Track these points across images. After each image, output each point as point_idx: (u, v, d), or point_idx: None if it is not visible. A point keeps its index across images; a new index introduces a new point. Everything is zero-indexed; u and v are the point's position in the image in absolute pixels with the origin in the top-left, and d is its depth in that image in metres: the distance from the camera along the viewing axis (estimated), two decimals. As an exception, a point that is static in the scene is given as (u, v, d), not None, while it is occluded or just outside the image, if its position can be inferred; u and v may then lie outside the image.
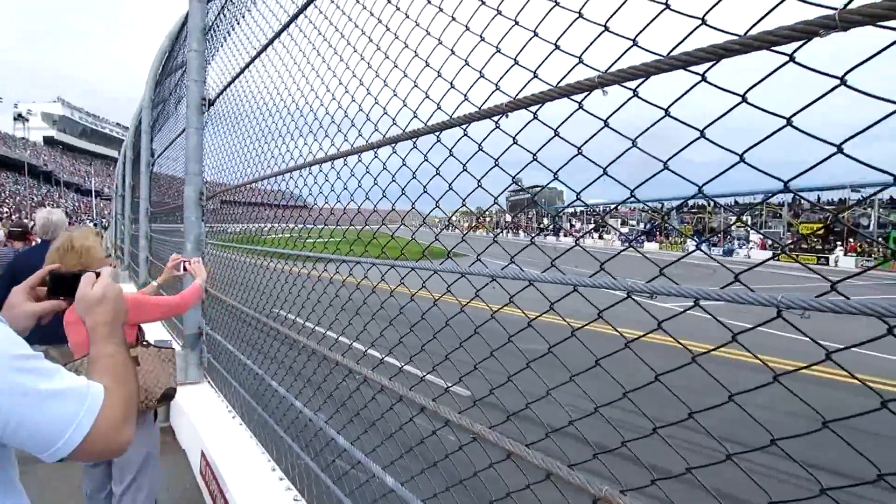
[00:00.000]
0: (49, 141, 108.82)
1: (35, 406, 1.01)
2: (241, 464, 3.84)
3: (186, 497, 4.26)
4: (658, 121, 1.16)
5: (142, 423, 3.09)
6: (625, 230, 70.00)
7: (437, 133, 1.87)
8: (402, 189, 2.12)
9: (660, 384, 1.19)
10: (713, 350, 1.15)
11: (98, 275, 1.42)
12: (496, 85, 1.58)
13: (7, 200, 65.72)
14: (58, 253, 2.81)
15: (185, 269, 4.03)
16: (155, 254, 10.38)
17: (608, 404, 1.33)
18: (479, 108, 1.63)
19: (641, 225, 70.53)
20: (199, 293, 3.70)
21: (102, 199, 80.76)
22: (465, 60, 1.70)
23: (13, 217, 45.48)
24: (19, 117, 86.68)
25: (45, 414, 1.02)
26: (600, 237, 63.47)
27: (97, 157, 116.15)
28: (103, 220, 48.88)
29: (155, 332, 8.19)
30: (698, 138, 1.11)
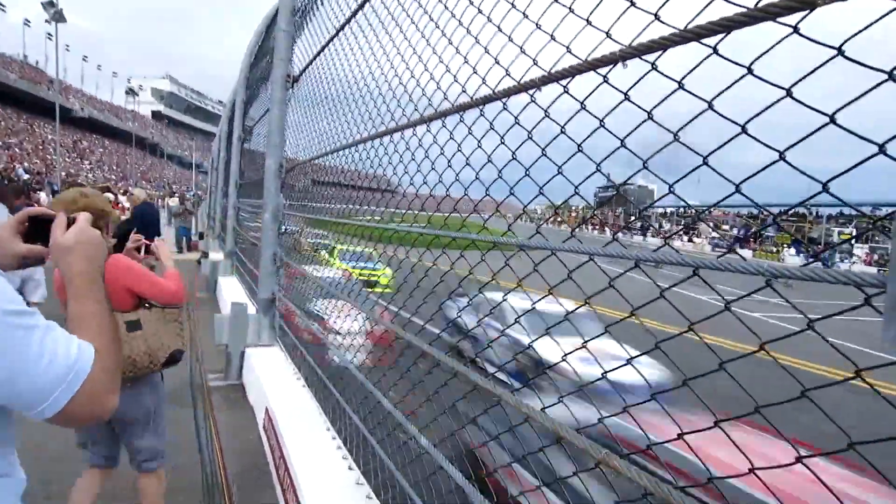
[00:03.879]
0: (156, 115, 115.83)
1: (25, 364, 1.00)
2: (299, 422, 4.08)
3: (249, 449, 4.55)
4: (671, 93, 1.18)
5: (150, 385, 3.08)
6: (717, 235, 66.68)
7: (503, 99, 1.85)
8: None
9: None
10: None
11: (73, 220, 1.30)
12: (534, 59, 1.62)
13: (115, 168, 70.60)
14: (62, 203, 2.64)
15: (147, 251, 3.27)
16: (241, 224, 10.95)
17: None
18: (518, 82, 1.68)
19: (735, 230, 67.26)
20: (178, 279, 3.15)
21: (200, 172, 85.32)
22: (510, 37, 1.76)
23: (119, 184, 48.89)
24: (130, 91, 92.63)
25: (35, 372, 1.01)
26: (690, 240, 60.97)
27: (198, 132, 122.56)
28: (199, 193, 51.71)
29: (233, 294, 8.65)
30: (739, 134, 1.10)
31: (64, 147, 50.91)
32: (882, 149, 0.89)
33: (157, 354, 2.98)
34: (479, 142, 1.98)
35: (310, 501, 3.00)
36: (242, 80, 10.90)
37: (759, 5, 0.98)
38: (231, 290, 9.33)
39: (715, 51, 1.09)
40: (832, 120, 0.94)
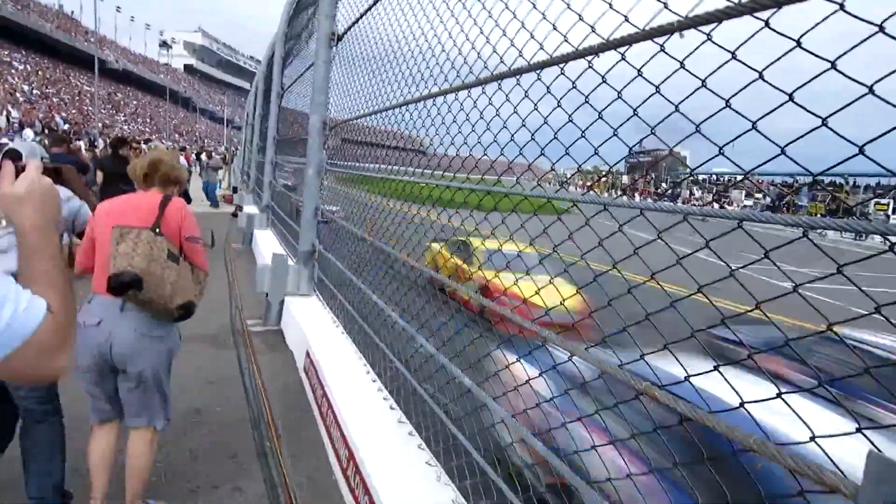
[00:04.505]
0: (188, 69, 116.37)
1: None
2: (340, 364, 4.35)
3: (289, 389, 4.84)
4: (725, 63, 1.30)
5: (166, 329, 2.96)
6: (749, 203, 65.62)
7: (561, 65, 1.97)
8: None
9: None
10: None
11: (23, 168, 1.21)
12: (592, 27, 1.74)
13: (149, 121, 71.36)
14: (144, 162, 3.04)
15: None
16: (277, 179, 11.19)
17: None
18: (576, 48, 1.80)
19: (767, 199, 65.84)
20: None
21: (232, 128, 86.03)
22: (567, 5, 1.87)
23: (153, 137, 49.58)
24: (164, 44, 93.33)
25: None
26: (721, 207, 59.82)
27: (230, 87, 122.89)
28: (231, 147, 52.23)
29: (269, 247, 8.91)
30: (786, 101, 1.22)
31: (99, 98, 51.58)
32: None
33: (178, 294, 2.85)
34: (535, 105, 2.11)
35: (356, 438, 3.22)
36: (281, 35, 10.95)
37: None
38: (267, 243, 9.61)
39: (767, 24, 1.21)
40: (871, 90, 1.07)
